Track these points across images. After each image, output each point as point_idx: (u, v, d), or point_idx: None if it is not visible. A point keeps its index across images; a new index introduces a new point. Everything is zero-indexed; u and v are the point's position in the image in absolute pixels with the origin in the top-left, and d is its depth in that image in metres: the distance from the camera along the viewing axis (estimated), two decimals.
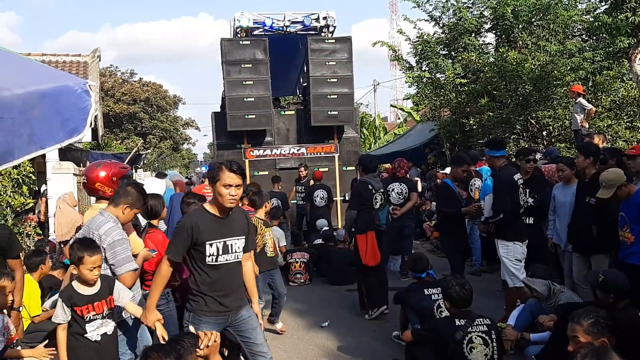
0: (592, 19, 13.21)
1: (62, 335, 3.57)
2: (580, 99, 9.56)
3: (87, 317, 3.56)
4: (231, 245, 3.60)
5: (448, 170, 8.69)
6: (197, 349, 3.27)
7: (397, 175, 8.50)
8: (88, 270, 3.52)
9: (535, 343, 4.72)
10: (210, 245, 3.53)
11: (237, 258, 3.66)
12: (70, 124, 1.49)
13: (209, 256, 3.54)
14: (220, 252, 3.56)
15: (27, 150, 1.41)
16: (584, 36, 14.33)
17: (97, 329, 3.60)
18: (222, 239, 3.56)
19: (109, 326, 3.67)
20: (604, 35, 12.90)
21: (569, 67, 11.57)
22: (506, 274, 5.75)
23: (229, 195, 3.46)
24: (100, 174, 4.29)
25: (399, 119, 35.66)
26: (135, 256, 4.16)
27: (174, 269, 3.70)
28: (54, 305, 6.02)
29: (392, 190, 8.29)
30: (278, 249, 9.01)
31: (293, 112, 13.14)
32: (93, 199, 11.17)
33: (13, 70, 1.55)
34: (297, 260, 8.54)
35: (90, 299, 3.57)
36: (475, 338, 3.88)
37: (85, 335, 3.56)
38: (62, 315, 3.54)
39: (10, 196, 8.70)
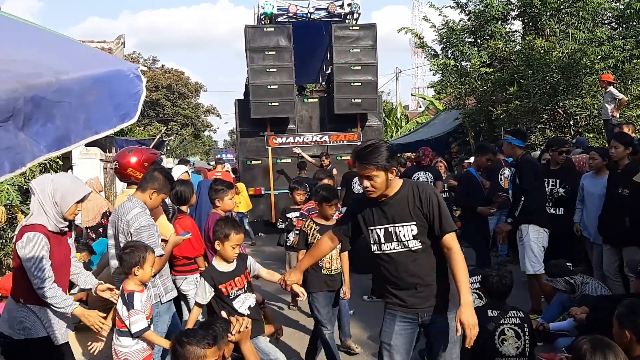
0: (623, 7, 12.91)
1: (196, 313, 3.68)
2: (611, 88, 9.36)
3: (231, 294, 3.63)
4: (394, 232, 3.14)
5: (472, 159, 8.61)
6: (229, 334, 3.31)
7: (422, 163, 8.46)
8: (231, 248, 3.62)
9: (558, 333, 4.74)
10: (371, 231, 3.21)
11: (408, 247, 3.13)
12: (122, 109, 1.49)
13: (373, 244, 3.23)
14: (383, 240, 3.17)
15: (83, 134, 1.41)
16: (613, 24, 13.99)
17: (243, 303, 3.67)
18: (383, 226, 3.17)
19: (251, 299, 3.73)
20: (634, 23, 12.61)
21: (598, 56, 11.31)
22: (528, 260, 5.66)
23: (363, 187, 3.08)
24: (132, 159, 4.33)
25: (420, 107, 35.38)
26: (165, 241, 4.19)
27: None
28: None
29: (417, 179, 8.23)
30: None
31: (316, 100, 13.09)
32: (118, 184, 11.35)
33: (67, 53, 1.56)
34: None
35: (230, 275, 3.66)
36: (508, 330, 3.85)
37: (238, 312, 3.60)
38: (202, 294, 3.62)
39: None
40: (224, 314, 3.54)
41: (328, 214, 4.59)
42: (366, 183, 3.02)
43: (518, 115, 12.05)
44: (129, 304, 3.43)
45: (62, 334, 3.42)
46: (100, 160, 10.69)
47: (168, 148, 24.83)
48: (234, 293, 3.64)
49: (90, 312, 3.47)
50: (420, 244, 3.09)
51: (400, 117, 26.06)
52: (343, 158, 11.99)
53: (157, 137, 16.29)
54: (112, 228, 3.99)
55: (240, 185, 11.31)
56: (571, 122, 12.09)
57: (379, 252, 3.19)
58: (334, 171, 10.85)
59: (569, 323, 4.71)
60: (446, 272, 3.10)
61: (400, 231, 3.09)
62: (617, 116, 9.43)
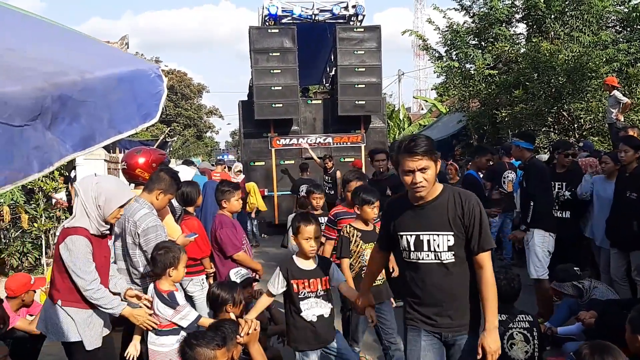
0: (627, 10, 12.90)
1: (265, 301, 3.59)
2: (615, 92, 9.34)
3: (301, 293, 3.50)
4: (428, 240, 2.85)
5: None
6: (237, 336, 3.29)
7: None
8: (305, 240, 3.47)
9: (565, 337, 4.71)
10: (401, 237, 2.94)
11: (439, 258, 2.84)
12: (144, 109, 1.48)
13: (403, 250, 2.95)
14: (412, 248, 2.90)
15: (107, 134, 1.40)
16: (617, 27, 13.98)
17: (312, 308, 3.51)
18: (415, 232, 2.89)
19: (325, 308, 3.53)
20: (639, 26, 12.60)
21: (603, 59, 11.30)
22: (532, 265, 5.62)
23: (411, 184, 2.75)
24: (140, 160, 4.33)
25: (422, 109, 35.36)
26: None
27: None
28: None
29: None
30: None
31: (320, 102, 13.10)
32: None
33: (90, 52, 1.55)
34: None
35: (306, 273, 3.53)
36: (517, 334, 3.82)
37: (301, 314, 3.49)
38: (274, 284, 3.53)
39: (42, 180, 8.82)
40: (232, 315, 3.52)
41: (370, 218, 4.30)
42: (419, 177, 2.69)
43: (523, 118, 12.04)
44: (172, 302, 3.44)
45: (96, 338, 3.40)
46: (105, 160, 10.67)
47: (171, 149, 24.85)
48: (305, 293, 3.50)
49: (139, 310, 3.46)
50: (453, 257, 2.81)
51: (403, 119, 26.03)
52: (347, 160, 11.99)
53: (161, 138, 16.29)
54: (119, 229, 3.98)
55: (252, 186, 11.25)
56: (575, 126, 12.07)
57: (407, 260, 2.94)
58: (338, 173, 10.85)
59: (577, 327, 4.69)
60: (475, 291, 2.86)
61: (434, 240, 2.81)
62: (622, 119, 9.42)
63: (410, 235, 2.87)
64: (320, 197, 5.83)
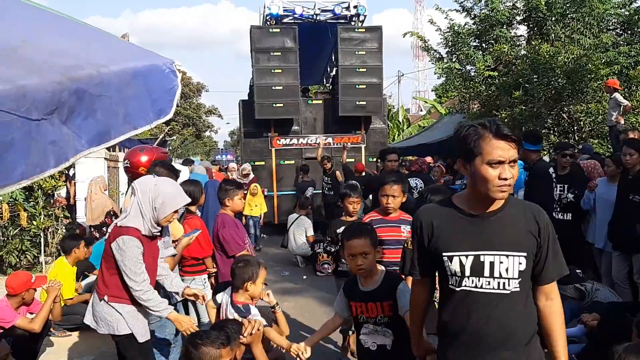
0: (629, 13, 12.91)
1: (333, 322, 3.26)
2: (616, 95, 9.34)
3: (360, 317, 3.05)
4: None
5: None
6: (241, 336, 3.27)
7: (412, 169, 8.05)
8: (349, 258, 2.99)
9: (568, 339, 4.67)
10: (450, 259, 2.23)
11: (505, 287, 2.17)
12: (159, 105, 1.47)
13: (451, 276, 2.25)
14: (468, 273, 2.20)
15: (122, 130, 1.39)
16: (618, 30, 13.99)
17: (371, 334, 3.02)
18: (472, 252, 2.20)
19: (388, 339, 2.96)
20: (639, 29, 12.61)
21: (604, 61, 11.30)
22: None
23: (498, 179, 2.08)
24: (143, 158, 4.34)
25: (421, 110, 35.37)
26: (175, 241, 4.18)
27: None
28: (87, 289, 6.10)
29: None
30: (306, 238, 9.05)
31: (320, 102, 13.09)
32: (121, 184, 11.30)
33: (106, 46, 1.53)
34: (324, 250, 8.52)
35: (363, 296, 3.01)
36: None
37: (359, 337, 3.09)
38: (339, 305, 3.18)
39: (42, 178, 8.77)
40: (236, 315, 3.50)
41: None
42: (509, 172, 2.06)
43: (523, 119, 12.04)
44: (245, 314, 3.45)
45: (145, 331, 3.46)
46: (105, 159, 10.64)
47: (170, 148, 24.82)
48: (363, 318, 3.02)
49: (184, 317, 3.51)
50: (519, 285, 2.17)
51: (402, 120, 26.04)
52: (348, 160, 11.97)
53: (160, 136, 16.25)
54: None
55: (257, 187, 11.07)
56: (575, 128, 12.08)
57: (456, 289, 2.23)
58: (337, 174, 10.84)
59: (579, 329, 4.68)
60: (539, 331, 2.28)
61: (502, 263, 2.15)
62: (622, 122, 9.41)
63: (467, 256, 2.18)
64: (357, 201, 4.84)
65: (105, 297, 3.35)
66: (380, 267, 3.09)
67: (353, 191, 4.84)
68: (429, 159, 11.41)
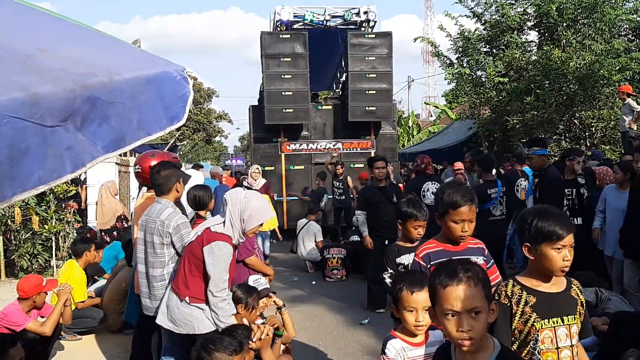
0: None
1: None
2: (629, 100, 9.28)
3: None
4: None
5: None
6: (250, 342, 3.27)
7: (427, 173, 7.96)
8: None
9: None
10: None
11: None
12: (171, 111, 1.49)
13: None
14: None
15: (137, 136, 1.41)
16: (630, 35, 13.92)
17: None
18: None
19: None
20: None
21: (616, 67, 11.24)
22: None
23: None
24: (154, 163, 4.35)
25: (431, 116, 35.31)
26: None
27: None
28: (98, 292, 6.13)
29: (427, 190, 7.74)
30: (315, 244, 9.05)
31: (330, 107, 13.12)
32: (132, 188, 11.37)
33: (117, 53, 1.56)
34: (334, 255, 8.51)
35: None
36: None
37: None
38: None
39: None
40: (245, 321, 3.51)
41: (557, 268, 2.26)
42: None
43: (534, 125, 12.00)
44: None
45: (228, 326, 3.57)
46: (116, 163, 10.71)
47: (180, 152, 24.93)
48: None
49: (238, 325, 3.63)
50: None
51: (412, 126, 26.01)
52: (357, 166, 11.97)
53: (171, 141, 16.35)
54: (142, 232, 3.98)
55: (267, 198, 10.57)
56: (587, 134, 12.01)
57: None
58: (349, 179, 10.84)
59: (591, 339, 4.63)
60: None
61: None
62: (635, 128, 9.35)
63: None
64: (423, 225, 3.68)
65: (187, 299, 3.45)
66: (494, 340, 1.92)
67: (419, 211, 3.64)
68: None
